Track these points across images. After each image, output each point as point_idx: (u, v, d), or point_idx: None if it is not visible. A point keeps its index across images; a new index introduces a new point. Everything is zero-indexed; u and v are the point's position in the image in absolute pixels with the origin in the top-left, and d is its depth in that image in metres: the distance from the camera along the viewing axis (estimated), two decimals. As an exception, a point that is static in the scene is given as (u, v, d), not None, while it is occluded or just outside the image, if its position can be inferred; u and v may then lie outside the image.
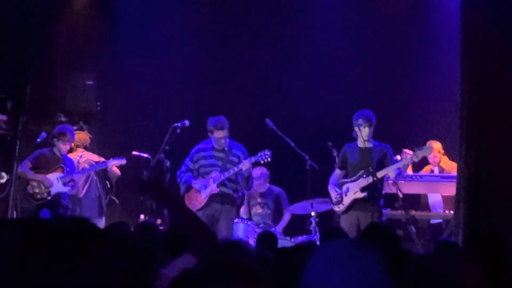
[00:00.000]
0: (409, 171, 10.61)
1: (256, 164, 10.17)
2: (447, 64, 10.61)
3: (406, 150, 9.73)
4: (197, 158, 10.01)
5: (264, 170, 11.32)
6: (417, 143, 9.77)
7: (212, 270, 2.26)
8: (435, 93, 11.82)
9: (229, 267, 2.27)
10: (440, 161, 11.01)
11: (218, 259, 2.35)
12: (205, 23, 12.92)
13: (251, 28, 12.84)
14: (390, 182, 9.49)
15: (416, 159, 9.57)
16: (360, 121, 9.42)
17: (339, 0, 12.69)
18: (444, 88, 11.16)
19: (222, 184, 9.86)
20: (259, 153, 9.76)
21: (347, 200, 9.43)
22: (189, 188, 9.99)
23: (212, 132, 9.88)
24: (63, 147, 10.46)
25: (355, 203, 9.39)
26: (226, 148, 9.96)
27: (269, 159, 9.77)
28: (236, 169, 9.78)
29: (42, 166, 10.40)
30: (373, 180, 9.16)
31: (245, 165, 9.69)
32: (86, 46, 12.72)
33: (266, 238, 7.94)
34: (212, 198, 9.85)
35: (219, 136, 9.84)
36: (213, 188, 9.83)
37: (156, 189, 3.99)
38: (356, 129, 9.44)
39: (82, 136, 11.24)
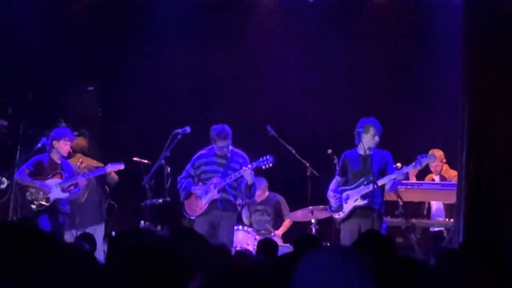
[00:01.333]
0: (413, 179, 10.62)
1: (257, 171, 10.09)
2: (448, 71, 10.62)
3: (399, 164, 9.70)
4: (198, 164, 9.98)
5: (262, 180, 11.30)
6: (418, 150, 9.75)
7: (223, 278, 2.26)
8: (436, 100, 11.81)
9: (240, 275, 2.27)
10: (442, 170, 11.00)
11: (228, 267, 2.34)
12: (206, 30, 12.94)
13: (252, 35, 12.84)
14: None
15: (420, 167, 9.54)
16: (360, 129, 9.40)
17: (341, 7, 12.68)
18: (445, 94, 11.16)
19: (223, 190, 9.81)
20: (260, 159, 9.69)
21: (347, 208, 9.41)
22: (189, 194, 9.96)
23: (215, 141, 9.84)
24: (64, 147, 10.37)
25: (355, 210, 9.37)
26: (228, 155, 9.92)
27: (271, 165, 9.70)
28: (237, 174, 9.74)
29: (40, 173, 10.34)
30: (374, 188, 9.14)
31: (246, 171, 9.63)
32: (88, 52, 12.72)
33: (267, 245, 7.93)
34: (212, 204, 9.80)
35: (222, 145, 9.80)
36: (213, 193, 9.78)
37: (172, 217, 3.94)
38: (359, 136, 9.41)
39: (80, 141, 11.20)
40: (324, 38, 12.52)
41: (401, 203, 9.56)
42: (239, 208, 10.38)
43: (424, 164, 9.43)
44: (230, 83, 12.85)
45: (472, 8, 8.63)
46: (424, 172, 10.95)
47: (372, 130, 9.37)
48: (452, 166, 10.78)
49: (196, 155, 10.08)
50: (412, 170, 9.96)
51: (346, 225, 9.47)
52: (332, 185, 9.71)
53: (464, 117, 8.50)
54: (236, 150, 10.00)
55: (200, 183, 9.95)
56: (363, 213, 9.31)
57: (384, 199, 9.44)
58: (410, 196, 10.25)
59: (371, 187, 9.19)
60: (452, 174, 10.65)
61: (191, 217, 9.95)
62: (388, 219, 9.87)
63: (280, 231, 11.37)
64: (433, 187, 10.52)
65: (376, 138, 9.39)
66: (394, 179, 9.29)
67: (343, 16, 12.60)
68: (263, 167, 9.77)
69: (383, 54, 12.45)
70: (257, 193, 11.15)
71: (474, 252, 4.75)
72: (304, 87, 12.54)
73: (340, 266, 2.26)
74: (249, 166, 9.68)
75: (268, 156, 9.66)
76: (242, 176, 9.74)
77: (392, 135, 10.90)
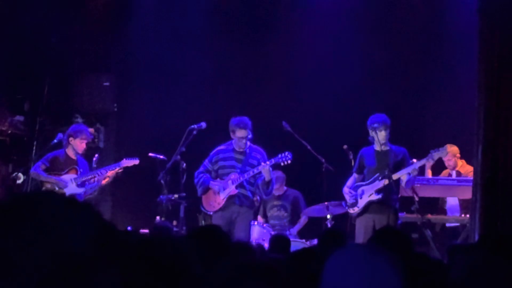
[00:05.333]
0: (428, 173, 10.60)
1: (275, 167, 10.06)
2: (463, 65, 10.58)
3: (414, 160, 9.69)
4: (216, 159, 9.95)
5: (280, 173, 11.26)
6: (434, 145, 9.72)
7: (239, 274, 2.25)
8: (452, 95, 11.78)
9: (256, 271, 2.26)
10: (455, 165, 10.98)
11: (243, 263, 2.33)
12: (222, 25, 12.93)
13: (268, 30, 12.83)
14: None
15: (432, 161, 9.53)
16: (376, 125, 9.41)
17: (355, 2, 12.65)
18: (461, 90, 11.12)
19: (240, 186, 9.78)
20: (279, 155, 9.63)
21: (362, 203, 9.41)
22: (206, 189, 9.95)
23: (234, 132, 9.79)
24: (80, 145, 10.39)
25: (370, 205, 9.36)
26: (246, 151, 9.88)
27: (289, 161, 9.66)
28: (255, 170, 9.71)
29: (55, 168, 10.37)
30: (389, 182, 9.13)
31: (264, 168, 9.59)
32: (103, 48, 12.75)
33: (279, 241, 7.93)
34: (230, 199, 9.77)
35: (241, 135, 9.73)
36: (231, 189, 9.75)
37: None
38: (373, 133, 9.42)
39: None
40: (340, 33, 12.49)
41: (416, 198, 9.55)
42: (256, 204, 10.37)
43: (435, 157, 9.44)
44: (246, 79, 12.84)
45: (487, 5, 8.59)
46: (440, 168, 10.92)
47: (378, 126, 9.39)
48: (468, 162, 10.74)
49: (214, 150, 10.05)
50: (427, 163, 9.96)
51: (360, 220, 9.47)
52: (349, 182, 9.72)
53: (479, 114, 8.47)
54: (254, 146, 9.98)
55: (218, 179, 9.92)
56: (378, 209, 9.31)
57: (399, 195, 9.44)
58: (426, 191, 10.23)
59: (386, 181, 9.18)
60: (469, 170, 10.60)
61: (209, 213, 9.95)
62: (403, 215, 9.86)
63: (295, 229, 11.34)
64: (449, 182, 10.48)
65: (384, 133, 9.41)
66: (409, 174, 9.28)
67: (359, 11, 12.56)
68: (282, 164, 9.73)
69: (398, 50, 12.40)
70: (275, 186, 11.15)
71: (489, 248, 4.73)
72: (319, 82, 12.52)
73: (370, 262, 2.26)
74: (267, 162, 9.64)
75: (286, 153, 9.61)
76: (260, 172, 9.71)
77: (408, 131, 10.88)
